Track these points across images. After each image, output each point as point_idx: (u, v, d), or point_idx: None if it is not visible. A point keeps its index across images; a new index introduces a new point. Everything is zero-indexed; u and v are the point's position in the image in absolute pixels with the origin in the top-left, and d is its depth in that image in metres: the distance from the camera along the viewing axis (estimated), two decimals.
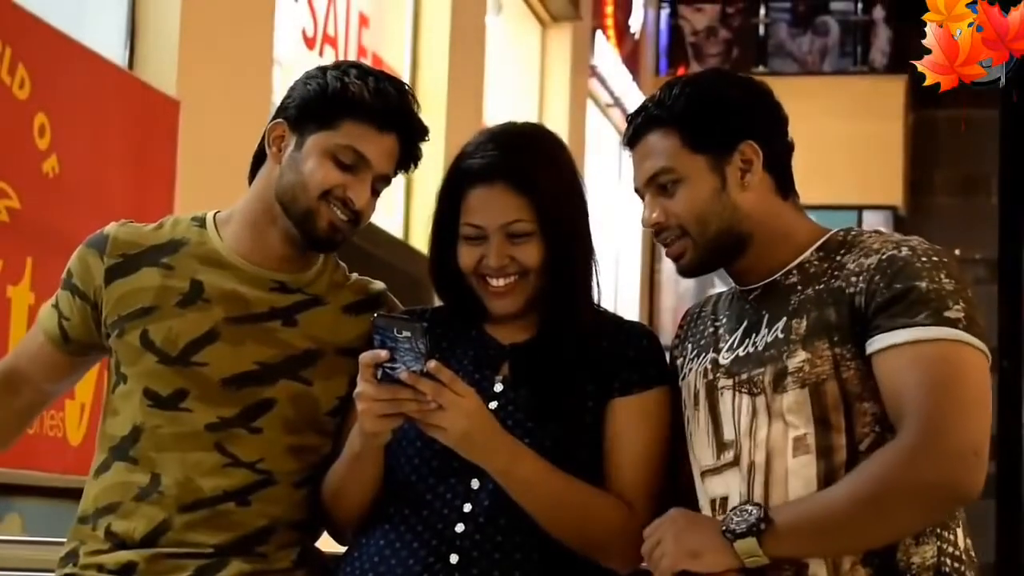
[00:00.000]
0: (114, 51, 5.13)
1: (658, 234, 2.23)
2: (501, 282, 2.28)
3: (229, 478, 2.27)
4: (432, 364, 2.10)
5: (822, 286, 2.13)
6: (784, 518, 2.03)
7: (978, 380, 2.03)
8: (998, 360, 12.75)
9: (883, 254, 2.10)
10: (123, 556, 2.27)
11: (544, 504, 2.20)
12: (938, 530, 2.07)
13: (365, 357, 2.09)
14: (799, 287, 2.15)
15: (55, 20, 4.53)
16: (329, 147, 2.29)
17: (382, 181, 2.34)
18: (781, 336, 2.13)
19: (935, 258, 2.09)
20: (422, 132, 2.38)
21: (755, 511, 2.03)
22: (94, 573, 2.29)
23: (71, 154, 4.47)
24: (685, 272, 2.24)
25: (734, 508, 2.08)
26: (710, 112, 2.18)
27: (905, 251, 2.09)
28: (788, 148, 2.25)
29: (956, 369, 2.02)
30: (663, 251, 2.29)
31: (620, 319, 2.39)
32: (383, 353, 2.07)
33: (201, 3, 5.34)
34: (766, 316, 2.17)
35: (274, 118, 2.35)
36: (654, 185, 2.20)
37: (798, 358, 2.09)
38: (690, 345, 2.29)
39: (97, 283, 2.35)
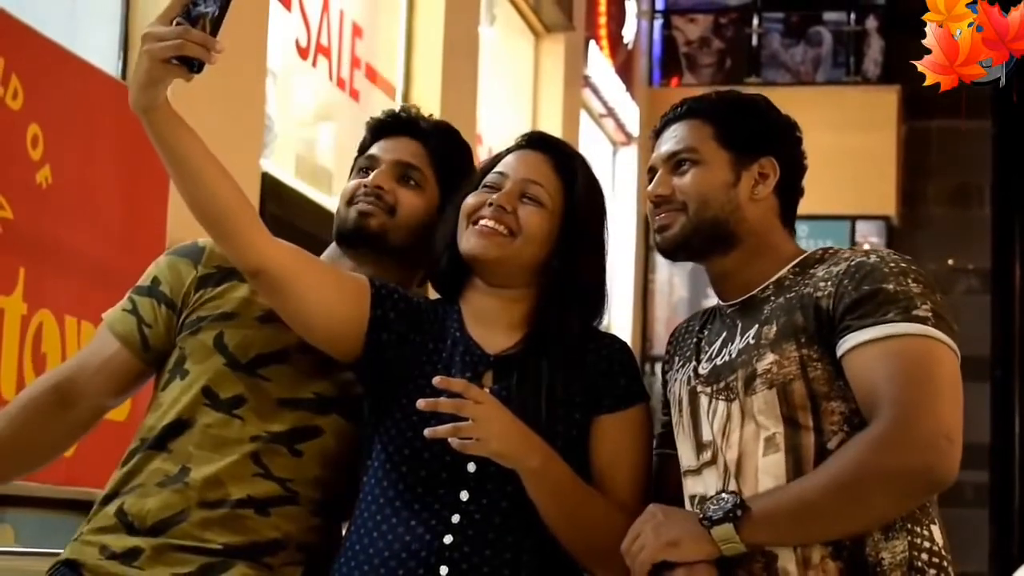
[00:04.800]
0: (108, 62, 5.13)
1: (657, 206, 2.28)
2: (490, 223, 2.28)
3: (256, 487, 2.31)
4: (437, 380, 2.13)
5: (792, 294, 2.19)
6: (760, 505, 2.06)
7: (948, 370, 2.07)
8: (991, 369, 12.81)
9: (851, 261, 2.16)
10: (129, 541, 2.29)
11: (567, 508, 2.20)
12: (909, 525, 2.09)
13: (166, 8, 2.09)
14: (772, 298, 2.21)
15: (48, 31, 4.53)
16: (353, 171, 2.51)
17: (408, 168, 2.45)
18: (752, 342, 2.18)
19: (903, 264, 2.14)
20: (438, 129, 2.51)
21: (731, 498, 2.06)
22: (95, 552, 2.30)
23: (64, 164, 4.46)
24: (666, 245, 2.28)
25: (711, 497, 2.11)
26: (747, 118, 2.29)
27: (873, 258, 2.15)
28: (799, 191, 2.33)
29: (926, 359, 2.06)
30: (656, 261, 2.33)
31: (595, 330, 2.39)
32: None
33: None
34: (740, 326, 2.22)
35: None
36: (672, 162, 2.28)
37: (767, 360, 2.14)
38: (677, 358, 2.35)
39: (187, 289, 2.40)
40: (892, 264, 2.13)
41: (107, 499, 2.36)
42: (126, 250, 4.52)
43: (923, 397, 2.02)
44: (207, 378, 2.34)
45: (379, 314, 2.29)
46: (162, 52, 2.09)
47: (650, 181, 2.31)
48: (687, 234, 2.24)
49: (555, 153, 2.35)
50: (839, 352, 2.10)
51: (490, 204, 2.29)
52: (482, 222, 2.29)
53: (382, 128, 2.52)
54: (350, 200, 2.45)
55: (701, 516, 2.07)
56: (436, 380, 2.13)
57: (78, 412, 2.42)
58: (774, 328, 2.16)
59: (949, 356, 2.08)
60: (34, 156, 4.35)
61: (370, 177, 2.44)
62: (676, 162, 2.26)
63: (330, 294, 2.25)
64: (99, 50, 5.11)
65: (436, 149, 2.48)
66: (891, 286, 2.09)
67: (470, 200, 2.32)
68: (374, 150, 2.50)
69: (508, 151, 2.39)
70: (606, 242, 2.37)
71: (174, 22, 2.08)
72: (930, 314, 2.08)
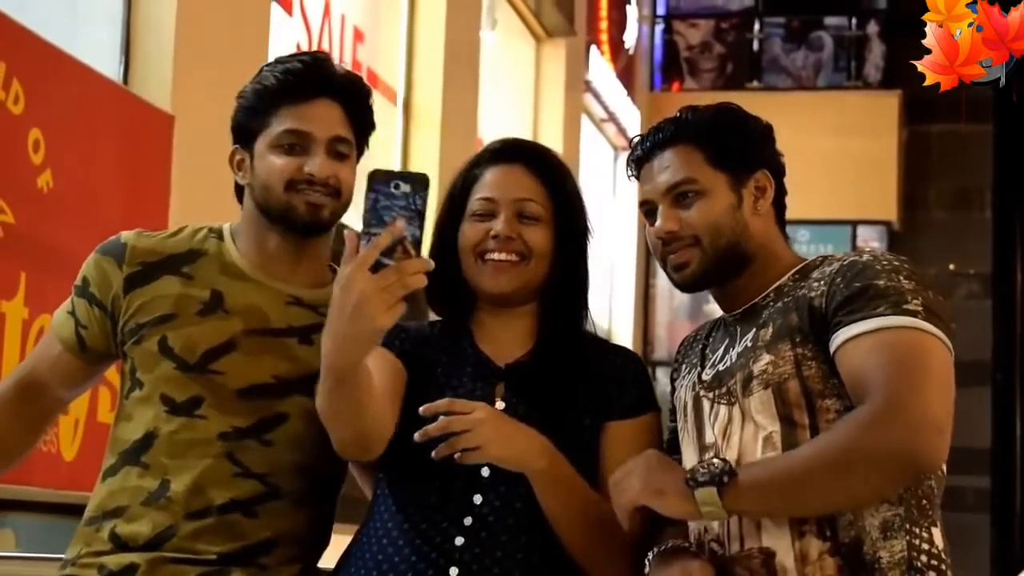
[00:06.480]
0: (108, 66, 5.14)
1: (668, 243, 2.26)
2: (503, 256, 2.28)
3: (238, 488, 2.29)
4: (422, 409, 2.11)
5: (789, 298, 2.20)
6: (748, 474, 2.06)
7: (939, 361, 2.07)
8: (991, 374, 12.82)
9: (844, 261, 2.17)
10: (125, 558, 2.28)
11: (574, 511, 2.20)
12: (907, 525, 2.09)
13: (363, 255, 1.94)
14: (772, 304, 2.22)
15: (50, 35, 4.53)
16: (270, 143, 2.35)
17: (340, 143, 2.34)
18: (749, 345, 2.19)
19: (895, 263, 2.15)
20: (352, 86, 2.39)
21: (721, 464, 2.06)
22: (93, 573, 2.30)
23: (65, 169, 4.47)
24: (686, 282, 2.27)
25: (702, 461, 2.11)
26: (734, 136, 2.26)
27: (866, 257, 2.17)
28: (785, 192, 2.32)
29: (916, 350, 2.06)
30: (657, 266, 2.32)
31: (607, 343, 2.42)
32: (381, 239, 1.94)
33: (195, 18, 5.35)
34: (740, 331, 2.24)
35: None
36: (673, 195, 2.25)
37: (763, 361, 2.15)
38: (684, 366, 2.36)
39: (115, 292, 2.36)
40: (884, 262, 2.14)
41: (94, 520, 2.34)
42: None
43: (912, 384, 2.03)
44: (161, 386, 2.32)
45: (401, 355, 2.31)
46: (393, 298, 1.96)
47: (645, 215, 2.29)
48: (706, 267, 2.24)
49: (530, 159, 2.34)
50: (832, 348, 2.11)
51: (494, 236, 2.28)
52: (494, 256, 2.28)
53: (295, 89, 2.34)
54: (290, 185, 2.31)
55: (688, 476, 2.08)
56: (421, 409, 2.12)
57: (41, 406, 2.45)
58: (770, 330, 2.17)
59: (940, 348, 2.08)
60: (35, 160, 4.35)
61: (315, 167, 2.30)
62: (677, 195, 2.24)
63: (391, 406, 2.23)
64: (100, 53, 5.12)
65: (354, 110, 2.37)
66: (882, 282, 2.10)
67: (468, 234, 2.30)
68: (298, 123, 2.32)
69: (480, 165, 2.35)
70: (590, 233, 2.38)
71: (375, 267, 1.95)
72: (921, 308, 2.08)
